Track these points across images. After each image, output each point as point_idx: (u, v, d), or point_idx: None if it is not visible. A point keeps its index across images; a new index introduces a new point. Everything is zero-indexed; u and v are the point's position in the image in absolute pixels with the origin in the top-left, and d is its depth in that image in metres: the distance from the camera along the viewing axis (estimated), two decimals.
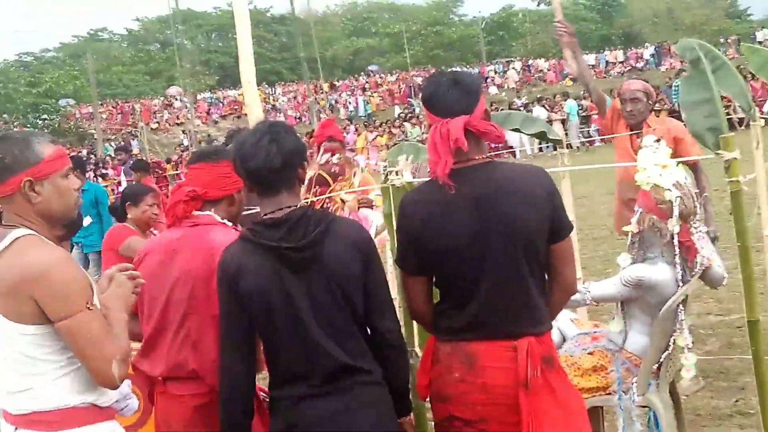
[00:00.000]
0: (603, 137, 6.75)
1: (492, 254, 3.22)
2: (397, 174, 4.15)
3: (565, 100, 32.80)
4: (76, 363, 3.08)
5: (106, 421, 3.17)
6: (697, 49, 4.62)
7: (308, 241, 3.19)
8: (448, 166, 3.15)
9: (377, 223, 5.27)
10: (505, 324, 3.26)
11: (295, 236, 3.20)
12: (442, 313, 3.39)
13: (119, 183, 32.67)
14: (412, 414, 3.57)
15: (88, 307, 3.03)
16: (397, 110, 44.37)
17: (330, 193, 5.06)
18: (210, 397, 3.53)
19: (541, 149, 30.30)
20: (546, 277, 3.39)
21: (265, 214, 3.28)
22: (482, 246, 3.21)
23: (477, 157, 3.27)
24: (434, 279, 3.42)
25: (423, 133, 28.59)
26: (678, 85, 28.81)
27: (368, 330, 3.35)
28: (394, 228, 3.65)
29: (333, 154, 5.64)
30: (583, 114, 32.42)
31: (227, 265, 3.28)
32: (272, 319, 3.22)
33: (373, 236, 5.31)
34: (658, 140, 4.77)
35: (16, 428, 3.06)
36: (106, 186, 33.52)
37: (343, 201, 5.10)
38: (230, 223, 3.82)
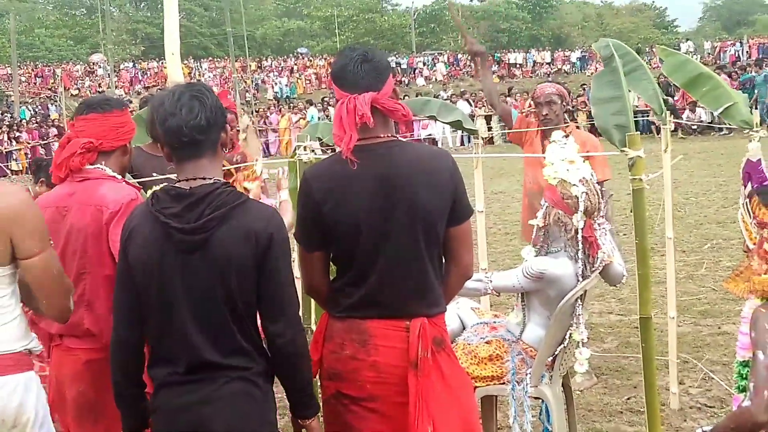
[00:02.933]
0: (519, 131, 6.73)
1: (391, 233, 3.20)
2: (305, 149, 4.11)
3: None
4: (19, 308, 3.16)
5: (33, 369, 3.23)
6: (611, 46, 4.66)
7: (199, 224, 2.95)
8: (353, 141, 3.12)
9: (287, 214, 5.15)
10: (399, 303, 3.26)
11: (189, 216, 2.97)
12: (337, 289, 3.36)
13: (33, 147, 32.08)
14: (318, 417, 3.34)
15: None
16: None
17: (233, 182, 4.96)
18: (103, 354, 3.42)
19: (463, 143, 30.47)
20: (443, 259, 3.39)
21: (179, 181, 3.06)
22: (381, 224, 3.20)
23: (382, 135, 3.25)
24: (332, 255, 3.39)
25: None
26: None
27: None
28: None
29: (230, 128, 5.53)
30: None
31: (126, 226, 3.12)
32: (149, 294, 3.05)
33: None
34: (566, 136, 4.82)
35: None
36: (19, 149, 32.98)
37: (246, 189, 5.01)
38: (120, 176, 3.76)
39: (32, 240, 3.07)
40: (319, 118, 31.07)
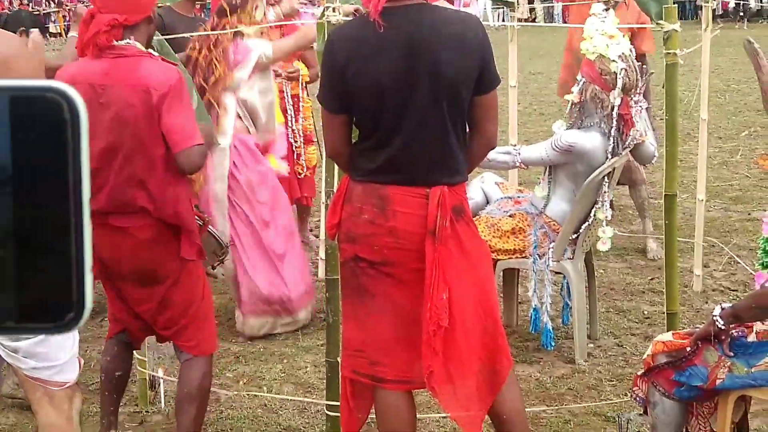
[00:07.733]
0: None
1: (415, 97, 3.14)
2: (334, 11, 4.02)
3: None
4: None
5: None
6: None
7: None
8: (381, 3, 3.04)
9: (263, 51, 5.09)
10: (420, 170, 3.21)
11: None
12: (359, 153, 3.32)
13: (70, 10, 31.97)
14: None
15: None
16: None
17: (225, 25, 4.91)
18: (157, 229, 3.55)
19: (503, 20, 29.92)
20: (467, 128, 3.34)
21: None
22: (406, 88, 3.13)
23: None
24: (355, 119, 3.35)
25: None
26: None
27: None
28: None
29: None
30: None
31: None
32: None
33: (251, 65, 5.13)
34: (606, 9, 4.69)
35: None
36: (58, 12, 32.86)
37: (241, 33, 4.95)
38: (150, 50, 3.62)
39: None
40: None
